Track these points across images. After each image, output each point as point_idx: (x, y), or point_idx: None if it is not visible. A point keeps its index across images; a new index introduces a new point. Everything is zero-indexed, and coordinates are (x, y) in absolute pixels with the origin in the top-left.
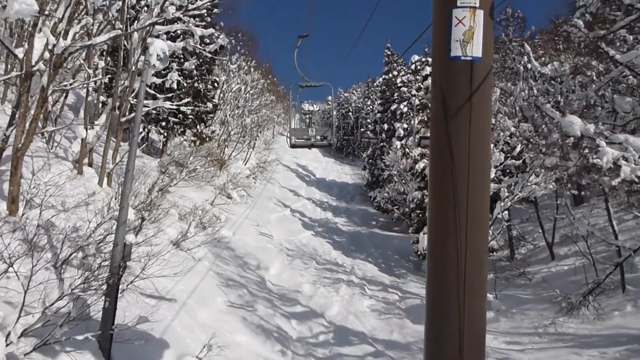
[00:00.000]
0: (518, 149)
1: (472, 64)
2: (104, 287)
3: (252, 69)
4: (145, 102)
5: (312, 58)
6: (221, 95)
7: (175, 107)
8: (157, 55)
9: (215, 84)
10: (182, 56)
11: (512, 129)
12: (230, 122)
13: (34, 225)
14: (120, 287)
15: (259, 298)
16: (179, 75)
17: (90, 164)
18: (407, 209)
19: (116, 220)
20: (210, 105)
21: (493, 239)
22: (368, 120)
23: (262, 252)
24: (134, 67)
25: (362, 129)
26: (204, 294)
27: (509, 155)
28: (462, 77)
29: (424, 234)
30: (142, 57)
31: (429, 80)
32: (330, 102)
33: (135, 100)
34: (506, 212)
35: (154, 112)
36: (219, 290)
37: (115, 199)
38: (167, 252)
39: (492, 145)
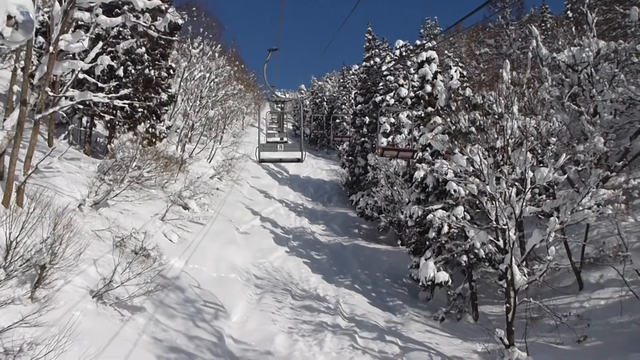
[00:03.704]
0: (562, 159)
1: None
2: None
3: (216, 55)
4: (70, 93)
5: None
6: (182, 84)
7: (108, 99)
8: (9, 17)
9: (172, 71)
10: (129, 36)
11: (533, 130)
12: (192, 115)
13: None
14: None
15: None
16: (127, 60)
17: (0, 176)
18: (395, 218)
19: None
20: (165, 96)
21: (532, 281)
22: (344, 110)
23: (223, 286)
24: (52, 49)
25: (338, 121)
26: None
27: (543, 165)
28: None
29: (426, 259)
30: (65, 36)
31: (426, 68)
32: (303, 91)
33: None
34: (552, 248)
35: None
36: None
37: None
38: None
39: (529, 155)
